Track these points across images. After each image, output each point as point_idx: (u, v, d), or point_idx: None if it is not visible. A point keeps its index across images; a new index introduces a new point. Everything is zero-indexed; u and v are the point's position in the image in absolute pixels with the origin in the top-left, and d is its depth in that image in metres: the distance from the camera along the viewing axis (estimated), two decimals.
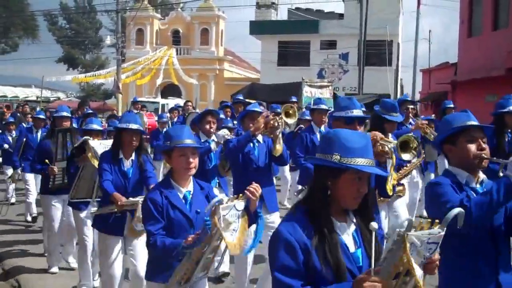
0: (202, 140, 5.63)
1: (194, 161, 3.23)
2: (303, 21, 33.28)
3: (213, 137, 5.75)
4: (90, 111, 10.61)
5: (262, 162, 5.07)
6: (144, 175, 4.60)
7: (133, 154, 4.64)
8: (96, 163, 4.77)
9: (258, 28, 34.10)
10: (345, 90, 29.53)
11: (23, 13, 44.63)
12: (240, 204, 2.85)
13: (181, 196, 3.26)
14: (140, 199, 4.11)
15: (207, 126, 5.77)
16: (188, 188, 3.32)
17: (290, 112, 6.99)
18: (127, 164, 4.60)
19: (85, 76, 35.60)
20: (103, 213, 4.54)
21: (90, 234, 5.58)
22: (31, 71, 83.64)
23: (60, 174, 6.07)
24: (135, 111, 14.07)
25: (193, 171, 3.26)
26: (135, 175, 4.60)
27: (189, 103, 13.84)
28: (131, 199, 4.29)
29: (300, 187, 6.50)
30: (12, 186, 9.93)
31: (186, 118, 11.48)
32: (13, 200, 10.26)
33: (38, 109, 20.56)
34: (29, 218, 9.68)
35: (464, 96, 20.14)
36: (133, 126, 4.49)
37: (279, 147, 5.04)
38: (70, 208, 5.99)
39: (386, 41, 28.63)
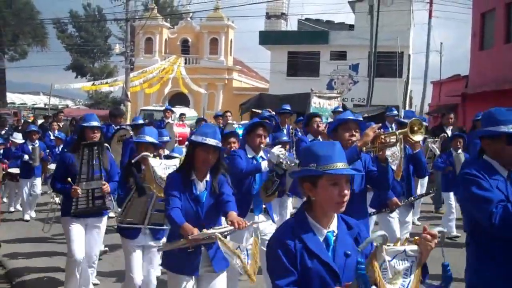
0: (249, 156, 5.04)
1: (348, 193, 2.41)
2: (313, 31, 33.21)
3: (261, 153, 5.11)
4: (141, 121, 9.94)
5: (358, 187, 4.29)
6: (220, 200, 3.82)
7: (208, 175, 3.86)
8: (155, 188, 4.16)
9: (268, 38, 34.09)
10: (354, 101, 29.32)
11: (32, 21, 44.89)
12: (413, 250, 2.16)
13: (321, 239, 2.43)
14: (217, 230, 3.46)
15: (257, 140, 5.09)
16: (331, 227, 2.47)
17: (416, 128, 4.83)
18: (201, 187, 3.82)
19: (94, 84, 35.63)
20: (172, 249, 3.75)
21: (138, 270, 4.74)
22: (40, 79, 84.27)
23: (84, 196, 5.19)
24: (166, 120, 13.19)
25: (344, 206, 2.43)
26: (210, 200, 3.83)
27: (228, 113, 12.86)
28: (205, 231, 3.50)
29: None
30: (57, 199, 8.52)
31: (223, 129, 10.94)
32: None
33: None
34: (27, 217, 9.96)
35: (474, 109, 19.84)
36: (211, 141, 3.70)
37: (396, 169, 4.51)
38: (97, 234, 5.45)
39: (397, 52, 28.52)
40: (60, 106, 38.38)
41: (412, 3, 29.90)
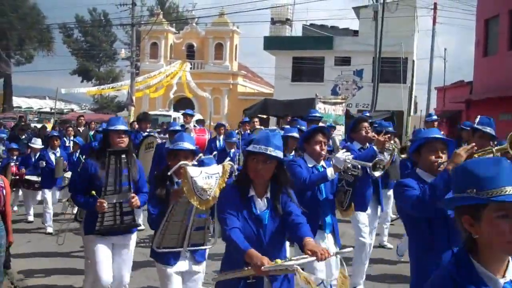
0: (310, 166, 4.52)
1: None
2: (318, 37, 33.29)
3: (322, 162, 4.59)
4: (178, 127, 8.95)
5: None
6: (289, 221, 3.18)
7: (268, 190, 3.27)
8: (195, 201, 3.52)
9: (273, 43, 34.19)
10: (358, 106, 29.38)
11: (38, 26, 45.28)
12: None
13: None
14: (296, 262, 2.82)
15: (317, 148, 4.55)
16: (507, 276, 1.83)
17: None
18: (261, 205, 3.22)
19: (101, 89, 35.85)
20: (231, 278, 3.15)
21: None
22: (46, 83, 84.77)
23: (111, 211, 4.50)
24: (186, 126, 12.16)
25: None
26: (273, 221, 3.21)
27: (256, 119, 12.31)
28: (280, 261, 2.82)
29: None
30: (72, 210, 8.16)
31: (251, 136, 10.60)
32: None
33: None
34: (30, 218, 9.95)
35: (478, 115, 19.97)
36: (272, 151, 3.13)
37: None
38: (126, 254, 4.77)
39: (401, 58, 28.57)
40: (65, 110, 38.69)
41: (416, 9, 30.02)
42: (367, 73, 30.26)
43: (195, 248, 4.01)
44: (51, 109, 35.02)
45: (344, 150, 4.70)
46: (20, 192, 10.66)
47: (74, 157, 10.42)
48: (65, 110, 38.71)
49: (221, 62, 39.39)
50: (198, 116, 29.97)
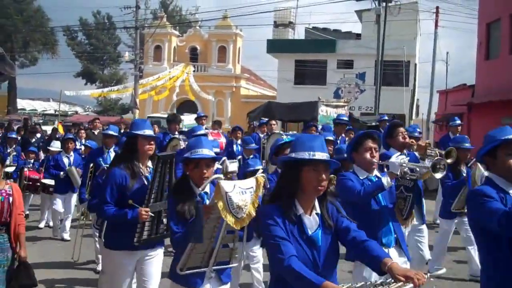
0: (361, 178, 4.07)
1: None
2: (320, 40, 33.43)
3: (375, 172, 4.13)
4: (202, 131, 8.02)
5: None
6: (349, 239, 2.78)
7: (316, 204, 2.83)
8: (231, 220, 3.13)
9: (276, 46, 34.31)
10: (361, 109, 29.53)
11: (43, 28, 45.52)
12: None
13: None
14: None
15: (368, 156, 4.05)
16: None
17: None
18: (312, 224, 2.78)
19: (106, 91, 36.02)
20: None
21: None
22: (50, 85, 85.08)
23: (150, 221, 4.10)
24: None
25: None
26: (326, 241, 2.79)
27: (273, 121, 11.65)
28: None
29: None
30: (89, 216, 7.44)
31: (268, 139, 10.10)
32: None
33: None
34: (41, 225, 9.66)
35: (480, 118, 20.07)
36: (321, 154, 2.74)
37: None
38: (153, 267, 4.34)
39: (403, 61, 28.69)
40: (69, 113, 38.94)
41: (419, 13, 30.14)
42: (369, 76, 30.37)
43: (221, 267, 3.60)
44: (55, 111, 35.23)
45: (398, 154, 4.28)
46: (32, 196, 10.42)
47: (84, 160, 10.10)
48: (69, 112, 38.98)
49: (224, 65, 39.56)
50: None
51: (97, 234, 5.94)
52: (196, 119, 11.47)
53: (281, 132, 11.65)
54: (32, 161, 10.32)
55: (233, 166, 5.74)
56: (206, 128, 10.93)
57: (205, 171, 3.57)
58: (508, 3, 19.31)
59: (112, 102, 52.84)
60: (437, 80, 41.51)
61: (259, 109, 20.90)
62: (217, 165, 4.87)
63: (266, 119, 12.74)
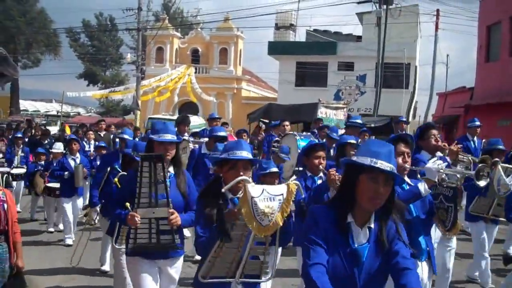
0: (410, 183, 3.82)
1: None
2: (321, 42, 33.51)
3: (407, 178, 3.89)
4: (223, 133, 7.71)
5: None
6: (392, 262, 2.47)
7: (372, 218, 2.53)
8: (254, 227, 2.93)
9: (277, 48, 34.40)
10: (360, 111, 29.57)
11: (45, 30, 45.79)
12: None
13: None
14: None
15: (400, 160, 3.79)
16: None
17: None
18: (360, 237, 2.50)
19: (108, 92, 36.20)
20: None
21: None
22: (52, 86, 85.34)
23: (145, 228, 3.86)
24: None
25: None
26: (374, 260, 2.50)
27: (286, 122, 11.54)
28: None
29: None
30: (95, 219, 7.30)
31: (281, 140, 10.16)
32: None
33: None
34: (51, 229, 9.46)
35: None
36: (385, 164, 2.41)
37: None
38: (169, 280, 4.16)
39: (404, 64, 28.78)
40: (72, 114, 39.15)
41: (419, 16, 30.20)
42: (370, 78, 30.47)
43: (249, 280, 3.26)
44: (57, 112, 35.52)
45: (435, 158, 4.02)
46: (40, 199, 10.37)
47: (95, 162, 10.04)
48: (71, 114, 39.20)
49: (225, 67, 39.68)
50: (201, 120, 30.23)
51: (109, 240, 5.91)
52: (209, 120, 11.09)
53: (294, 133, 11.31)
54: (42, 163, 10.22)
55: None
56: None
57: (242, 173, 3.24)
58: (508, 6, 19.43)
59: (114, 103, 53.04)
60: (437, 83, 41.58)
61: (260, 111, 21.06)
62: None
63: (279, 121, 12.59)
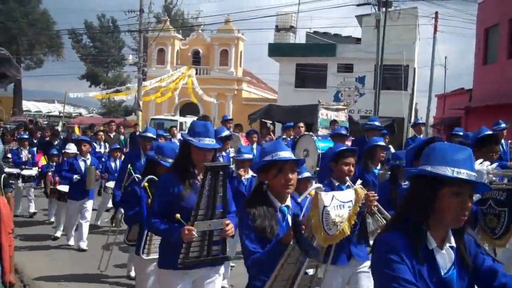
0: None
1: None
2: (321, 44, 33.67)
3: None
4: (226, 132, 7.61)
5: None
6: (492, 281, 2.13)
7: (450, 234, 2.15)
8: (321, 237, 2.72)
9: (277, 50, 34.59)
10: (361, 113, 29.80)
11: (48, 31, 46.08)
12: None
13: None
14: None
15: None
16: None
17: None
18: (445, 260, 2.10)
19: (110, 92, 36.40)
20: None
21: None
22: (55, 87, 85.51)
23: (199, 241, 3.53)
24: (234, 133, 10.99)
25: None
26: (462, 282, 2.14)
27: (301, 124, 11.06)
28: None
29: None
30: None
31: (296, 142, 9.93)
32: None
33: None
34: (58, 234, 8.87)
35: (477, 122, 20.33)
36: (469, 173, 2.04)
37: None
38: None
39: (402, 66, 28.95)
40: (74, 114, 39.34)
41: (418, 18, 30.41)
42: (369, 80, 30.67)
43: None
44: (59, 112, 35.67)
45: (482, 160, 3.61)
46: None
47: (109, 163, 9.78)
48: (73, 114, 39.38)
49: (226, 68, 39.95)
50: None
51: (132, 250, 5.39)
52: (222, 122, 10.76)
53: (311, 133, 10.67)
54: (54, 164, 9.99)
55: None
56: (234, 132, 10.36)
57: (290, 176, 2.96)
58: (506, 9, 19.62)
59: (116, 104, 53.25)
60: (435, 85, 41.81)
61: (260, 112, 21.24)
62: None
63: (293, 122, 12.16)
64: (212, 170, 3.41)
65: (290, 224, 2.85)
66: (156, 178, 4.23)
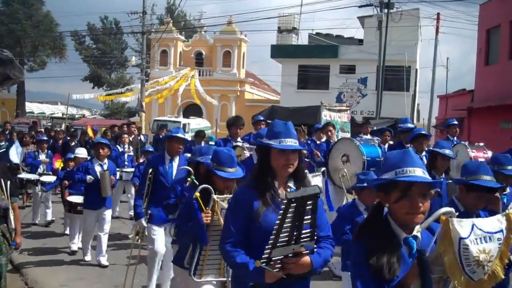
0: None
1: None
2: (323, 46, 33.79)
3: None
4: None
5: None
6: None
7: None
8: (459, 280, 2.12)
9: (279, 51, 34.72)
10: (363, 114, 29.91)
11: (51, 33, 46.31)
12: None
13: None
14: None
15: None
16: None
17: None
18: None
19: (112, 93, 36.52)
20: None
21: None
22: (58, 89, 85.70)
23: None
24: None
25: None
26: None
27: (330, 126, 10.11)
28: None
29: None
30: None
31: (332, 146, 9.09)
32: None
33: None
34: (74, 247, 7.98)
35: (480, 123, 20.48)
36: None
37: None
38: None
39: (404, 67, 29.06)
40: (77, 116, 39.43)
41: (420, 19, 30.48)
42: (371, 81, 30.77)
43: None
44: (62, 114, 35.81)
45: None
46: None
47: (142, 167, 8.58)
48: (76, 116, 39.48)
49: (229, 70, 40.07)
50: (205, 122, 30.62)
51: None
52: (254, 123, 9.34)
53: (352, 137, 9.90)
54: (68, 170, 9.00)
55: (316, 181, 4.35)
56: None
57: (420, 204, 2.18)
58: (508, 10, 19.69)
59: (119, 105, 53.42)
60: (437, 86, 41.84)
61: (263, 113, 21.36)
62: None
63: (322, 124, 11.49)
64: (297, 202, 2.60)
65: (415, 262, 2.19)
66: (211, 188, 3.73)
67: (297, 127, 17.04)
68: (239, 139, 7.49)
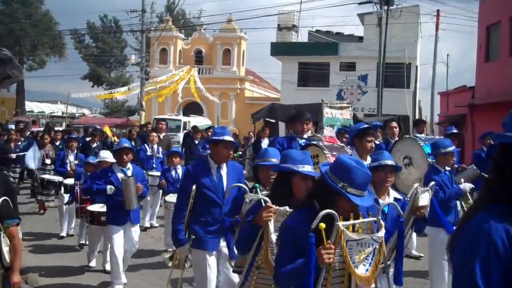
0: None
1: None
2: (323, 43, 33.77)
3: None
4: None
5: None
6: None
7: None
8: None
9: (279, 49, 34.66)
10: (364, 111, 29.90)
11: (51, 32, 46.30)
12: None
13: None
14: None
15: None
16: None
17: None
18: None
19: (112, 92, 36.52)
20: None
21: None
22: (57, 88, 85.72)
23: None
24: (313, 134, 7.76)
25: None
26: None
27: (394, 124, 8.99)
28: None
29: None
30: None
31: (392, 146, 7.58)
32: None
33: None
34: (93, 264, 7.35)
35: (482, 119, 20.45)
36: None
37: None
38: None
39: (405, 64, 29.04)
40: (77, 115, 39.50)
41: (420, 16, 30.45)
42: (371, 78, 30.73)
43: None
44: (62, 113, 35.88)
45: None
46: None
47: (168, 173, 8.10)
48: (76, 115, 39.53)
49: (228, 68, 40.03)
50: (206, 121, 30.59)
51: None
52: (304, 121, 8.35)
53: (414, 136, 8.57)
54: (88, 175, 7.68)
55: (425, 197, 3.89)
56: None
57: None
58: (508, 7, 19.66)
59: (119, 104, 53.43)
60: (438, 82, 41.79)
61: (263, 111, 21.35)
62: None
63: (382, 122, 10.47)
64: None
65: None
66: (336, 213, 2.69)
67: (268, 124, 16.63)
68: (305, 136, 6.20)
